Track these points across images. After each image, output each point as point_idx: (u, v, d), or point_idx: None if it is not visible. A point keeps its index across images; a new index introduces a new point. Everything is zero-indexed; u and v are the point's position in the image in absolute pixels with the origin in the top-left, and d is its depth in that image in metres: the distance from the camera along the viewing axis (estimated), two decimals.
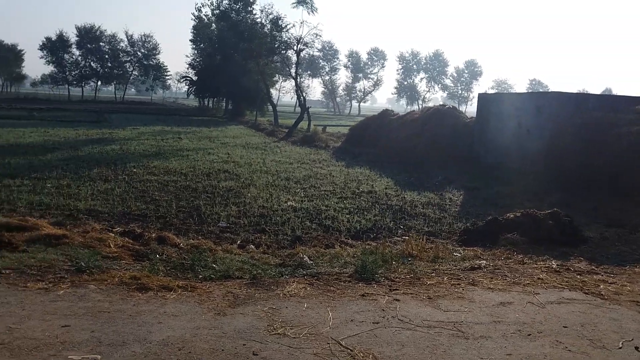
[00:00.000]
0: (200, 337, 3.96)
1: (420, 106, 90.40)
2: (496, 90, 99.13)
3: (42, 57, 79.59)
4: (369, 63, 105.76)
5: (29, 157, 14.84)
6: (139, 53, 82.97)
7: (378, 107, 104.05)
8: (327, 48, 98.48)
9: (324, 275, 5.71)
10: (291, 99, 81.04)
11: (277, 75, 56.59)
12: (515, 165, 15.05)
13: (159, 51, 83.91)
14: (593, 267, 6.52)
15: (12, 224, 6.83)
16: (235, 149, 19.69)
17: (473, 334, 4.28)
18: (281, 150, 20.81)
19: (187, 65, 64.35)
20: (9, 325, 3.97)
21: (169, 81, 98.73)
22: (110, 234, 7.02)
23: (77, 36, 79.39)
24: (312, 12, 34.56)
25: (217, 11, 43.61)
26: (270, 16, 37.86)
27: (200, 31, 59.62)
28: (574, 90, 29.18)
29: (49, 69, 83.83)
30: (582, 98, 15.54)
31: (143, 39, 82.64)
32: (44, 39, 79.30)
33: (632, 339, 4.31)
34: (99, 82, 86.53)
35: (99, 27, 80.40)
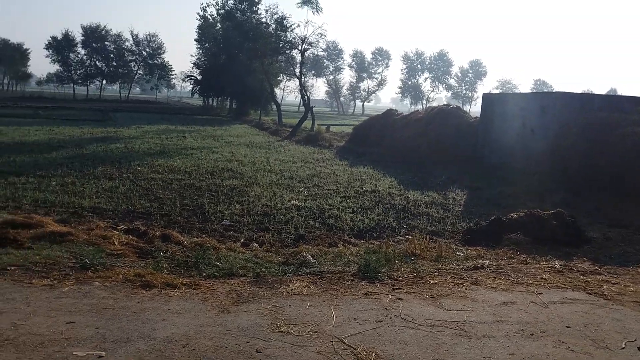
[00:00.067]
0: (204, 334, 3.98)
1: (424, 106, 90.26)
2: (500, 91, 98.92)
3: (47, 56, 80.00)
4: (373, 63, 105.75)
5: (34, 155, 14.91)
6: (144, 52, 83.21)
7: (382, 106, 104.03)
8: (332, 48, 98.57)
9: (327, 274, 5.72)
10: (295, 98, 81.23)
11: (281, 74, 56.56)
12: (519, 165, 15.03)
13: (164, 50, 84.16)
14: (596, 268, 6.51)
15: (17, 221, 6.87)
16: (239, 148, 19.73)
17: (476, 333, 4.28)
18: (285, 149, 20.83)
19: (192, 65, 64.57)
20: (14, 322, 4.01)
21: (174, 80, 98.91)
22: (115, 231, 7.05)
23: (83, 35, 79.70)
24: (317, 12, 34.56)
25: (222, 11, 43.64)
26: (275, 16, 37.88)
27: (205, 31, 59.72)
28: (579, 91, 29.07)
29: (55, 67, 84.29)
30: (587, 98, 15.49)
31: (148, 39, 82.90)
32: (50, 38, 79.71)
33: (635, 340, 4.31)
34: (104, 81, 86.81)
35: (105, 26, 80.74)
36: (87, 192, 10.00)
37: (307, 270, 5.83)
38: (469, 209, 10.63)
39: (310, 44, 35.45)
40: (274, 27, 38.04)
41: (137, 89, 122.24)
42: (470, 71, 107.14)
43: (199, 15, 58.63)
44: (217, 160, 15.79)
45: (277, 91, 57.08)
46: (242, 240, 7.39)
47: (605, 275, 6.18)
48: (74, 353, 3.57)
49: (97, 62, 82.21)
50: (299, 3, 33.99)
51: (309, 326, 4.24)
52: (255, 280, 5.40)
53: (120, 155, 15.82)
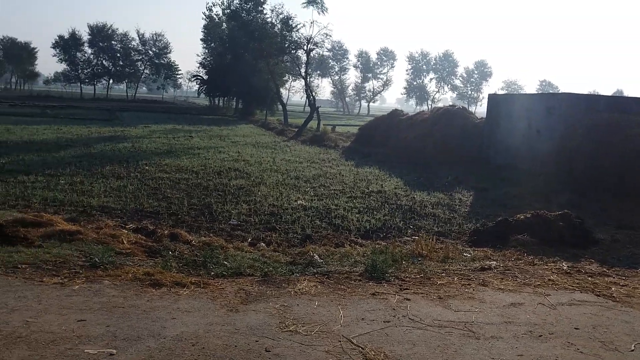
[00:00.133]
0: (213, 333, 4.01)
1: (430, 106, 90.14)
2: (506, 91, 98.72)
3: (55, 55, 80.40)
4: (379, 63, 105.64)
5: (43, 154, 15.02)
6: (150, 52, 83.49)
7: (387, 107, 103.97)
8: (337, 48, 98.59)
9: (335, 274, 5.74)
10: (301, 98, 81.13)
11: (287, 74, 56.66)
12: (525, 166, 15.00)
13: (170, 50, 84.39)
14: (604, 269, 6.49)
15: (27, 220, 6.94)
16: (245, 148, 19.78)
17: (484, 334, 4.29)
18: (291, 149, 20.86)
19: (198, 65, 64.73)
20: (26, 319, 4.05)
21: (180, 80, 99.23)
22: (124, 230, 7.11)
23: (90, 35, 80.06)
24: (323, 12, 34.62)
25: (228, 11, 43.71)
26: (281, 16, 37.95)
27: (211, 30, 59.86)
28: (585, 92, 28.94)
29: (62, 67, 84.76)
30: (593, 99, 15.44)
31: (154, 38, 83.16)
32: (57, 37, 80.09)
33: None
34: (111, 81, 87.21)
35: (111, 25, 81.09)
36: (95, 191, 10.07)
37: (315, 270, 5.85)
38: (475, 209, 10.62)
39: (315, 44, 35.52)
40: (279, 27, 38.12)
41: (144, 88, 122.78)
42: (476, 72, 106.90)
43: (205, 15, 58.78)
44: (224, 160, 15.84)
45: (283, 91, 57.17)
46: (249, 239, 7.42)
47: (614, 277, 6.16)
48: (86, 350, 3.61)
49: (103, 61, 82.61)
50: (304, 3, 34.06)
51: (317, 326, 4.26)
52: (263, 279, 5.43)
53: (128, 154, 15.90)
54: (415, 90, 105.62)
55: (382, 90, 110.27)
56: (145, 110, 49.44)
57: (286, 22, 37.34)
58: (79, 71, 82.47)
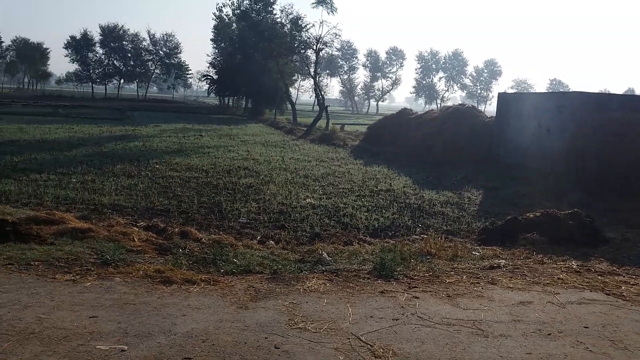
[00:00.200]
0: (223, 329, 4.05)
1: (439, 105, 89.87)
2: (516, 90, 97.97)
3: (66, 56, 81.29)
4: (388, 62, 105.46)
5: (55, 152, 15.20)
6: (161, 52, 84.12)
7: (396, 106, 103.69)
8: (346, 47, 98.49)
9: (343, 272, 5.76)
10: (310, 97, 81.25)
11: (296, 74, 56.75)
12: (535, 165, 14.90)
13: (181, 50, 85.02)
14: (614, 268, 6.45)
15: (39, 218, 7.04)
16: (254, 147, 19.86)
17: (493, 332, 4.29)
18: (300, 148, 20.90)
19: (208, 64, 65.01)
20: (39, 315, 4.11)
21: (190, 80, 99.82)
22: (134, 228, 7.18)
23: (101, 35, 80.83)
24: (332, 12, 34.64)
25: (238, 11, 43.88)
26: (290, 16, 38.05)
27: (221, 31, 60.17)
28: (596, 90, 28.70)
29: (74, 67, 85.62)
30: (605, 98, 15.30)
31: (165, 38, 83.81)
32: (69, 38, 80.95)
33: None
34: (122, 80, 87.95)
35: (122, 26, 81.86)
36: (106, 189, 10.18)
37: (323, 268, 5.88)
38: (485, 208, 10.59)
39: (325, 43, 35.55)
40: (289, 27, 38.21)
41: (154, 88, 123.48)
42: (485, 71, 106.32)
43: (215, 16, 59.24)
44: (234, 158, 15.92)
45: (292, 91, 57.25)
46: (258, 237, 7.47)
47: (624, 276, 6.12)
48: (97, 347, 3.66)
49: (115, 61, 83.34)
50: (313, 3, 34.07)
51: (325, 323, 4.29)
52: (272, 277, 5.46)
53: (139, 153, 16.04)
54: (424, 89, 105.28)
55: (391, 89, 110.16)
56: (155, 109, 49.79)
57: (296, 22, 37.42)
58: (91, 71, 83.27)
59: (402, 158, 18.08)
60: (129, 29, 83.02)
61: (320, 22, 35.16)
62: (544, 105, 15.92)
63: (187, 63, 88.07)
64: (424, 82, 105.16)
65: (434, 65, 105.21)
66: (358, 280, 5.52)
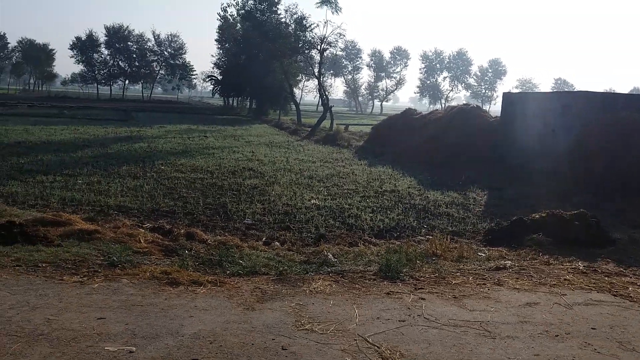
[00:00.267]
0: (230, 331, 4.07)
1: (443, 105, 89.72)
2: (520, 90, 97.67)
3: (72, 57, 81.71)
4: (392, 62, 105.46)
5: (61, 154, 15.27)
6: (165, 52, 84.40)
7: (400, 106, 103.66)
8: (350, 47, 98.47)
9: (349, 273, 5.77)
10: (314, 97, 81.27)
11: (300, 74, 56.80)
12: (540, 165, 14.85)
13: (185, 51, 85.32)
14: (621, 269, 6.43)
15: (46, 219, 7.07)
16: (259, 148, 19.89)
17: (500, 333, 4.29)
18: (304, 148, 20.92)
19: (213, 65, 65.36)
20: (47, 317, 4.14)
21: (195, 80, 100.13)
22: (141, 229, 7.21)
23: (106, 36, 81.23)
24: (336, 12, 34.59)
25: (242, 11, 43.91)
26: (295, 16, 38.07)
27: (226, 31, 60.33)
28: (601, 90, 28.57)
29: (79, 68, 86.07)
30: (610, 98, 15.24)
31: (170, 39, 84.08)
32: (74, 39, 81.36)
33: None
34: (127, 81, 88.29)
35: (127, 27, 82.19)
36: (112, 190, 10.22)
37: (329, 269, 5.88)
38: (490, 209, 10.56)
39: (329, 43, 35.57)
40: (293, 27, 38.24)
41: (159, 89, 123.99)
42: (490, 70, 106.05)
43: (220, 16, 59.35)
44: (238, 159, 15.95)
45: (296, 91, 57.25)
46: (263, 239, 7.48)
47: (631, 277, 6.10)
48: (106, 348, 3.68)
49: (119, 62, 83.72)
50: (318, 3, 34.07)
51: (332, 324, 4.29)
52: (278, 278, 5.47)
53: (144, 154, 16.09)
54: (428, 89, 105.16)
55: (395, 89, 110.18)
56: (160, 110, 49.98)
57: (300, 22, 37.45)
58: (96, 72, 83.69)
59: (406, 158, 18.03)
60: (133, 30, 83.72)
61: (325, 22, 35.15)
62: (549, 105, 15.87)
63: (191, 64, 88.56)
64: (428, 82, 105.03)
65: (438, 65, 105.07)
66: (364, 281, 5.52)
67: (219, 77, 61.18)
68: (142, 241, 6.51)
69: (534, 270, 6.21)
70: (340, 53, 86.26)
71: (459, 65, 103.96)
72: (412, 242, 7.59)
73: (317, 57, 37.81)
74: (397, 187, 12.36)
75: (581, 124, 13.75)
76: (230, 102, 66.99)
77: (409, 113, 23.95)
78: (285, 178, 12.84)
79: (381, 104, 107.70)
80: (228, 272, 5.63)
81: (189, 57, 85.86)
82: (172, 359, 3.57)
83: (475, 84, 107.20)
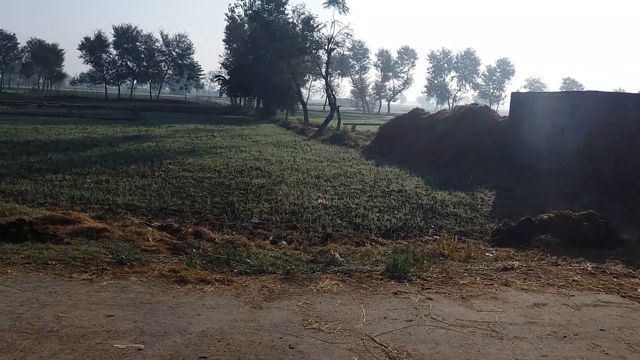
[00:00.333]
0: (238, 329, 4.08)
1: (451, 105, 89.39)
2: (529, 89, 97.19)
3: (81, 57, 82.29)
4: (399, 62, 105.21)
5: (70, 153, 15.39)
6: (173, 53, 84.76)
7: (407, 105, 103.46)
8: (358, 47, 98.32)
9: (356, 273, 5.77)
10: (321, 97, 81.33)
11: (307, 74, 56.81)
12: (549, 165, 14.77)
13: (193, 51, 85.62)
14: (630, 270, 6.38)
15: (55, 217, 7.13)
16: (266, 147, 19.94)
17: (507, 334, 4.28)
18: (311, 148, 20.94)
19: (220, 65, 65.55)
20: (57, 314, 4.18)
21: (203, 80, 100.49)
22: (149, 228, 7.24)
23: (115, 36, 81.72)
24: (344, 12, 34.55)
25: (250, 11, 44.01)
26: (302, 16, 38.08)
27: (233, 31, 60.48)
28: (610, 89, 28.35)
29: (88, 67, 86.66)
30: (620, 98, 15.12)
31: (178, 39, 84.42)
32: (83, 39, 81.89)
33: None
34: (135, 81, 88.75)
35: (136, 27, 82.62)
36: (120, 189, 10.28)
37: (336, 269, 5.88)
38: (498, 209, 10.52)
39: (336, 43, 35.52)
40: (300, 27, 38.26)
41: (167, 88, 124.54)
42: (498, 70, 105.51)
43: (227, 16, 59.43)
44: (246, 159, 16.00)
45: (303, 91, 57.28)
46: (271, 238, 7.50)
47: None
48: (115, 345, 3.70)
49: (128, 62, 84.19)
50: (325, 3, 34.05)
51: (339, 324, 4.30)
52: (285, 277, 5.48)
53: (152, 153, 16.18)
54: (436, 88, 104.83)
55: (403, 89, 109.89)
56: (168, 110, 50.20)
57: (307, 22, 37.45)
58: (104, 72, 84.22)
59: (414, 158, 18.00)
60: (142, 30, 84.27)
61: (332, 22, 35.14)
62: (558, 105, 15.77)
63: (199, 64, 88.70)
64: (436, 81, 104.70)
65: (446, 65, 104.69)
66: (371, 281, 5.52)
67: (227, 77, 61.38)
68: (150, 239, 6.55)
69: (542, 271, 6.19)
70: (348, 53, 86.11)
71: (466, 64, 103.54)
72: (420, 242, 7.58)
73: (325, 57, 37.82)
74: (404, 187, 12.34)
75: (590, 124, 13.66)
76: (238, 101, 67.18)
77: (416, 113, 23.89)
78: (293, 177, 12.86)
79: (388, 104, 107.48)
80: (235, 270, 5.65)
81: (196, 57, 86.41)
82: (180, 356, 3.60)
83: (483, 83, 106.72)
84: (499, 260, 6.62)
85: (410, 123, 22.83)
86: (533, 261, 6.66)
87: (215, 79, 70.06)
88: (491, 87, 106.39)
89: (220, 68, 65.56)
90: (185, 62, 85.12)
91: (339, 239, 7.64)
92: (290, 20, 40.30)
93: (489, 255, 6.92)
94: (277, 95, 48.57)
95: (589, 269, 6.35)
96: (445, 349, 3.94)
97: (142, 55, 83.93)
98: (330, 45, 35.22)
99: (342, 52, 46.74)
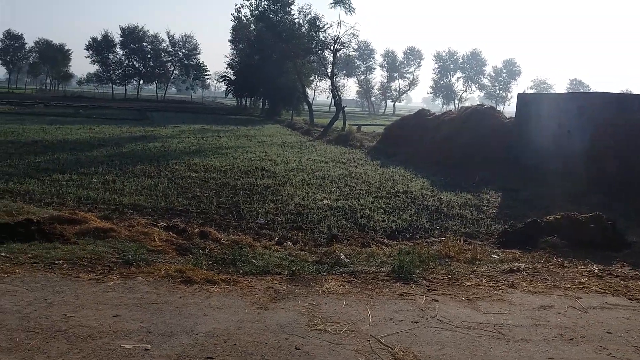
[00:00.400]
0: (244, 330, 4.10)
1: (457, 106, 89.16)
2: (535, 90, 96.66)
3: (88, 57, 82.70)
4: (405, 62, 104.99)
5: (77, 153, 15.47)
6: (179, 53, 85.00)
7: (413, 106, 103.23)
8: (363, 48, 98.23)
9: (362, 274, 5.77)
10: (327, 98, 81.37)
11: (313, 75, 56.84)
12: (555, 166, 14.70)
13: (199, 51, 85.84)
14: (637, 273, 6.35)
15: (62, 217, 7.17)
16: (272, 148, 19.96)
17: (513, 336, 4.27)
18: (316, 149, 20.95)
19: (226, 65, 65.59)
20: (64, 314, 4.20)
21: (208, 81, 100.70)
22: (155, 228, 7.28)
23: (121, 36, 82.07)
24: (350, 12, 34.60)
25: (256, 12, 44.11)
26: (308, 16, 38.17)
27: (239, 32, 60.64)
28: (617, 90, 28.19)
29: (94, 68, 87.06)
30: (627, 99, 15.04)
31: (184, 40, 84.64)
32: (90, 39, 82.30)
33: None
34: (141, 81, 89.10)
35: (142, 27, 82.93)
36: (127, 189, 10.33)
37: (341, 270, 5.89)
38: (504, 210, 10.49)
39: (342, 44, 35.56)
40: (306, 27, 38.34)
41: (173, 89, 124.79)
42: (504, 71, 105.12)
43: (233, 17, 59.64)
44: (251, 159, 16.03)
45: (309, 91, 57.36)
46: (276, 238, 7.52)
47: None
48: (122, 345, 3.72)
49: (134, 62, 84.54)
50: (331, 3, 34.09)
51: (345, 325, 4.30)
52: (291, 278, 5.49)
53: (158, 153, 16.24)
54: (442, 89, 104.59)
55: (408, 89, 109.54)
56: (174, 110, 50.39)
57: (313, 22, 37.52)
58: (111, 72, 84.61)
59: (419, 159, 17.96)
60: (148, 30, 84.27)
61: (338, 23, 35.23)
62: (564, 106, 15.70)
63: (205, 64, 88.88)
64: (442, 82, 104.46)
65: (451, 65, 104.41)
66: (377, 282, 5.52)
67: (233, 78, 61.44)
68: (156, 240, 6.58)
69: (548, 273, 6.17)
70: (353, 53, 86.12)
71: (472, 65, 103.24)
72: (425, 244, 7.57)
73: (330, 58, 37.87)
74: (409, 188, 12.33)
75: (597, 126, 13.59)
76: (243, 102, 67.29)
77: (422, 113, 23.85)
78: (298, 178, 12.87)
79: (394, 105, 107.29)
80: (241, 271, 5.66)
81: (202, 58, 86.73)
82: (186, 357, 3.61)
83: (490, 84, 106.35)
84: (505, 262, 6.60)
85: (415, 124, 22.80)
86: (539, 263, 6.64)
87: (221, 80, 70.15)
88: (497, 88, 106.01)
89: (226, 68, 65.67)
90: (192, 62, 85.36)
91: (345, 240, 7.64)
92: (297, 20, 40.42)
93: (494, 257, 6.90)
94: (282, 96, 48.61)
95: (596, 271, 6.32)
96: (452, 350, 3.94)
97: (149, 56, 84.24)
98: (336, 45, 35.27)
99: (348, 52, 46.72)
